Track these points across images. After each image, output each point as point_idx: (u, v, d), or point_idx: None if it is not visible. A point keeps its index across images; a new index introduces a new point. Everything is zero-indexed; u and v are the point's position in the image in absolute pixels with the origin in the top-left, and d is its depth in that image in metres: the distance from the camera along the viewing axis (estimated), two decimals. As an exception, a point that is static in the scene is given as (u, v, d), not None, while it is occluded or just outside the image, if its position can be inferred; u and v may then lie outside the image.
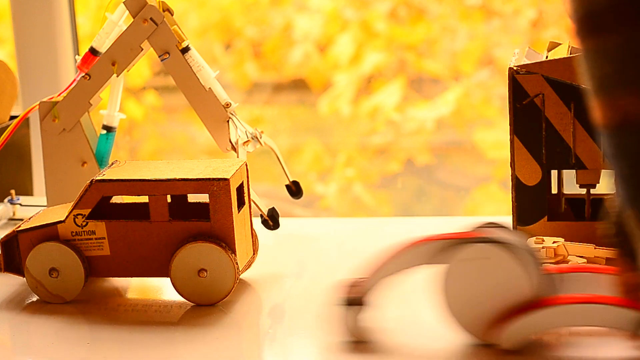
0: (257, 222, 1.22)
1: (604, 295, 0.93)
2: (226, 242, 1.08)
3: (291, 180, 1.31)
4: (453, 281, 0.95)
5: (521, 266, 0.93)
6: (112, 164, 1.15)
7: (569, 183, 1.19)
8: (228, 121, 1.23)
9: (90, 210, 1.10)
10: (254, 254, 1.17)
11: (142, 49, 1.23)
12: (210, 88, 1.23)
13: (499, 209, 2.21)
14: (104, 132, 1.29)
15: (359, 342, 0.99)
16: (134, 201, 1.14)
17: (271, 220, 1.27)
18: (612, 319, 0.92)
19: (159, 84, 2.38)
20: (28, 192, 1.54)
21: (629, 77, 0.63)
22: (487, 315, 0.95)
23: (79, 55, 1.26)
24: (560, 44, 1.20)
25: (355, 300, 0.98)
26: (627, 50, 0.62)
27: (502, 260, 0.93)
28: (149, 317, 1.09)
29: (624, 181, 0.66)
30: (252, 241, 1.16)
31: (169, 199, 1.09)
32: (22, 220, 1.17)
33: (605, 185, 1.18)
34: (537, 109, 1.13)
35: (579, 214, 1.19)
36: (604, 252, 1.09)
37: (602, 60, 0.64)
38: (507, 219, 1.16)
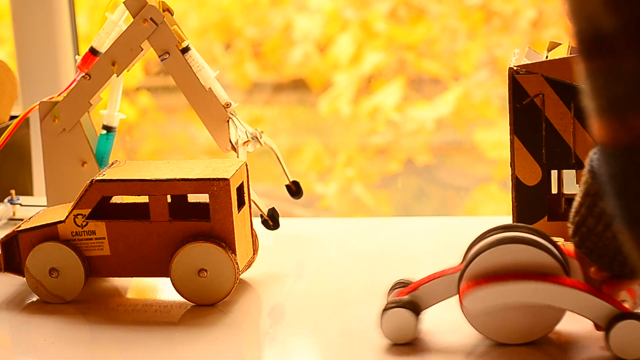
0: (257, 222, 1.22)
1: (584, 285, 0.95)
2: (226, 242, 1.08)
3: (291, 180, 1.31)
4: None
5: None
6: (112, 164, 1.15)
7: (569, 183, 1.19)
8: (228, 121, 1.23)
9: (90, 210, 1.10)
10: (254, 254, 1.17)
11: (142, 49, 1.23)
12: (210, 88, 1.23)
13: (499, 209, 2.21)
14: (104, 132, 1.29)
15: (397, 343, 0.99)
16: (134, 201, 1.14)
17: (271, 220, 1.27)
18: (588, 308, 0.94)
19: (152, 84, 2.39)
20: (28, 192, 1.54)
21: None
22: None
23: (79, 55, 1.26)
24: (560, 44, 1.20)
25: (408, 304, 0.98)
26: (639, 73, 0.62)
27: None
28: (149, 317, 1.09)
29: (630, 201, 0.65)
30: (252, 241, 1.16)
31: (169, 199, 1.09)
32: (22, 220, 1.17)
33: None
34: (537, 109, 1.13)
35: (579, 214, 1.19)
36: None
37: (612, 81, 0.64)
38: (507, 219, 1.16)
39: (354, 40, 2.36)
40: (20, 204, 1.42)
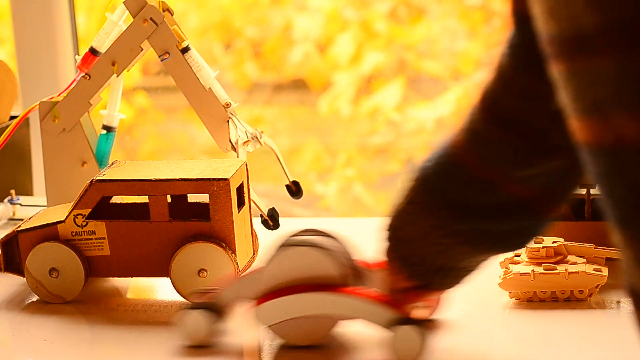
0: (257, 222, 1.22)
1: (363, 291, 0.96)
2: (226, 242, 1.08)
3: (291, 180, 1.31)
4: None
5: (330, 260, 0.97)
6: (112, 164, 1.15)
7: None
8: (228, 121, 1.23)
9: (90, 210, 1.09)
10: (254, 254, 1.17)
11: (142, 49, 1.23)
12: (210, 88, 1.23)
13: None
14: (104, 132, 1.29)
15: (200, 346, 1.00)
16: (134, 201, 1.14)
17: (271, 220, 1.27)
18: (366, 314, 0.95)
19: (149, 84, 2.39)
20: (28, 192, 1.54)
21: (624, 100, 0.62)
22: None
23: (79, 55, 1.26)
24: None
25: (204, 305, 1.00)
26: (622, 73, 0.62)
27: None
28: (149, 317, 1.09)
29: (617, 201, 0.65)
30: (252, 241, 1.16)
31: (169, 199, 1.09)
32: (22, 220, 1.17)
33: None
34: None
35: (579, 214, 1.19)
36: (603, 252, 1.09)
37: (593, 81, 0.63)
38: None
39: (354, 40, 2.36)
40: (20, 204, 1.42)
